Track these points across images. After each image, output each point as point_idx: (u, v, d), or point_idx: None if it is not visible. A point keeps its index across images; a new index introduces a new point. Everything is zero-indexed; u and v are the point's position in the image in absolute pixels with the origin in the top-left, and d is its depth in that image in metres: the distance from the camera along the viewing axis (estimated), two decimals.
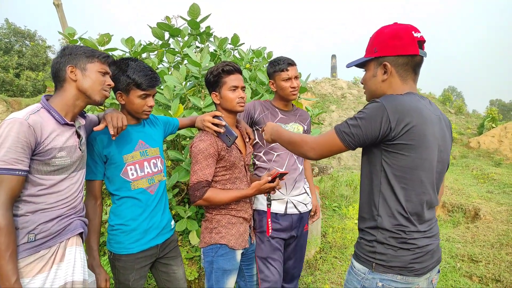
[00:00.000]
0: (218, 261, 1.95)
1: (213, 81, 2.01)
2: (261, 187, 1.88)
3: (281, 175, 1.89)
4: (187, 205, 3.31)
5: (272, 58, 2.55)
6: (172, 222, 2.08)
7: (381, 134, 1.31)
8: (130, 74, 1.78)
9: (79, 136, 1.63)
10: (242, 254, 2.09)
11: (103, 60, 1.62)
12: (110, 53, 3.37)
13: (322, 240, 4.20)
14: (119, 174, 1.83)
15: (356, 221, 4.82)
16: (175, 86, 3.11)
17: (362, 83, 1.61)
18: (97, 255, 1.80)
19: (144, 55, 3.72)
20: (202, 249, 2.01)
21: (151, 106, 1.86)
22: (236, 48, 4.11)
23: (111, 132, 1.66)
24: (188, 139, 3.35)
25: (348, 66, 1.63)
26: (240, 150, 2.06)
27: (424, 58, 1.45)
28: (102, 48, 3.33)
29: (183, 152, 3.44)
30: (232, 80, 1.99)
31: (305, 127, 2.47)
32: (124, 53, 3.54)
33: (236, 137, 1.92)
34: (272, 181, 1.90)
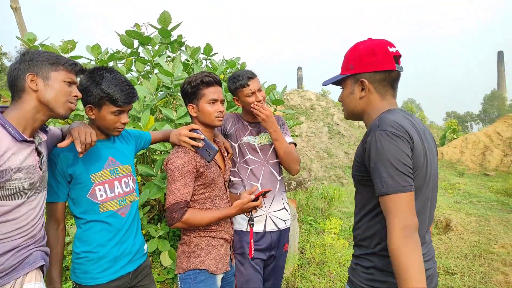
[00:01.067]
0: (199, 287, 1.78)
1: (191, 92, 1.88)
2: (243, 206, 1.77)
3: (264, 193, 1.79)
4: (158, 223, 3.12)
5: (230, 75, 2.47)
6: (145, 246, 1.90)
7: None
8: (105, 87, 1.59)
9: (39, 153, 1.43)
10: (222, 278, 1.94)
11: (69, 68, 1.44)
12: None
13: (300, 256, 4.10)
14: (85, 195, 1.64)
15: (333, 235, 4.79)
16: (145, 97, 2.95)
17: (339, 101, 1.57)
18: (60, 287, 1.59)
19: (111, 64, 3.52)
20: (178, 275, 1.85)
21: (124, 123, 1.69)
22: (209, 58, 3.99)
23: (78, 149, 1.47)
24: (159, 152, 3.17)
25: (325, 84, 1.60)
26: (219, 166, 1.94)
27: (401, 73, 1.44)
28: (66, 56, 3.11)
29: (153, 166, 3.26)
30: (211, 92, 1.87)
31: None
32: (89, 61, 3.34)
33: (217, 151, 1.80)
34: (255, 199, 1.79)
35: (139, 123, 2.71)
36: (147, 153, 3.24)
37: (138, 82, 3.28)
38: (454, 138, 15.52)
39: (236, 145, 2.26)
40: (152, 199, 3.37)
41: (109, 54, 3.32)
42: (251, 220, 2.04)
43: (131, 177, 1.83)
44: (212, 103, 1.87)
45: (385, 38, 1.44)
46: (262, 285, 2.19)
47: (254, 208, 1.81)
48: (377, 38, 1.45)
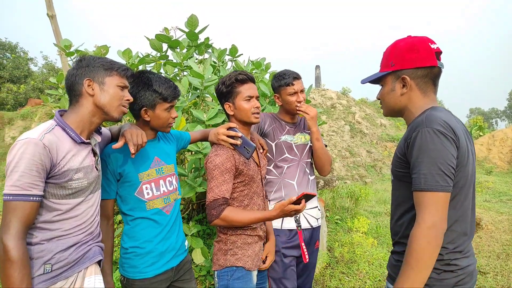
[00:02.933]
0: (234, 284, 1.85)
1: (226, 92, 1.92)
2: (285, 208, 1.71)
3: (307, 197, 1.73)
4: (190, 222, 3.20)
5: (275, 71, 2.52)
6: (186, 242, 1.98)
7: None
8: (156, 87, 1.70)
9: (95, 154, 1.53)
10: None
11: (122, 73, 1.53)
12: None
13: (329, 255, 4.12)
14: (133, 193, 1.73)
15: (361, 234, 4.79)
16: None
17: (378, 99, 1.58)
18: (111, 280, 1.70)
19: (140, 67, 3.63)
20: (216, 272, 1.90)
21: (175, 118, 1.80)
22: (234, 59, 4.05)
23: (132, 150, 1.56)
24: (191, 153, 3.26)
25: (363, 82, 1.60)
26: (257, 163, 1.99)
27: (442, 69, 1.44)
28: None
29: (183, 165, 3.35)
30: (246, 89, 1.90)
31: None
32: None
33: (255, 147, 1.83)
34: (297, 202, 1.73)
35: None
36: (179, 153, 3.33)
37: None
38: (481, 135, 15.17)
39: (273, 144, 2.32)
40: (182, 199, 3.46)
41: (139, 58, 3.42)
42: (297, 222, 2.08)
43: (174, 176, 1.91)
44: (248, 99, 1.89)
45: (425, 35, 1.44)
46: (295, 282, 2.23)
47: (297, 211, 1.73)
48: (417, 35, 1.45)
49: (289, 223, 2.24)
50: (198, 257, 3.16)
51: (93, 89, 1.46)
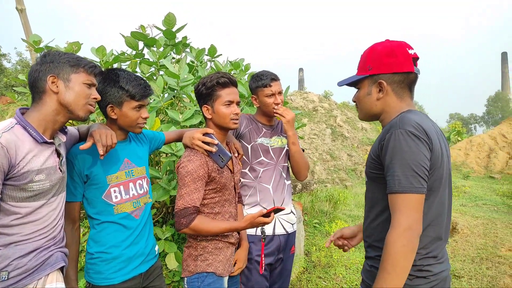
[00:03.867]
0: None
1: (206, 94, 1.87)
2: (254, 220, 1.72)
3: (277, 210, 1.76)
4: (164, 226, 3.15)
5: (254, 73, 2.51)
6: (156, 248, 1.95)
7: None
8: (123, 84, 1.66)
9: (59, 155, 1.48)
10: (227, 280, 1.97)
11: (89, 71, 1.48)
12: None
13: (306, 259, 4.13)
14: (100, 197, 1.69)
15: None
16: (151, 99, 2.98)
17: (354, 101, 1.59)
18: (76, 286, 1.63)
19: (115, 66, 3.56)
20: (185, 278, 1.87)
21: (145, 118, 1.75)
22: (213, 59, 4.03)
23: (101, 152, 1.52)
24: (165, 155, 3.21)
25: (340, 84, 1.61)
26: (230, 170, 1.96)
27: (418, 75, 1.46)
28: None
29: (158, 168, 3.30)
30: (227, 94, 1.86)
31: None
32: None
33: (230, 157, 1.80)
34: (267, 215, 1.74)
35: (145, 125, 2.74)
36: (153, 154, 3.27)
37: None
38: (459, 140, 15.57)
39: (249, 146, 2.29)
40: (156, 202, 3.40)
41: (113, 56, 3.36)
42: (262, 234, 2.07)
43: (145, 179, 1.87)
44: (228, 105, 1.86)
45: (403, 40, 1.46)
46: None
47: (264, 223, 1.75)
48: (395, 40, 1.47)
49: (264, 229, 2.23)
50: (171, 262, 3.11)
51: (57, 86, 1.41)
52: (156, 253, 1.94)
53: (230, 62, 4.08)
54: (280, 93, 2.28)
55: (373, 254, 1.44)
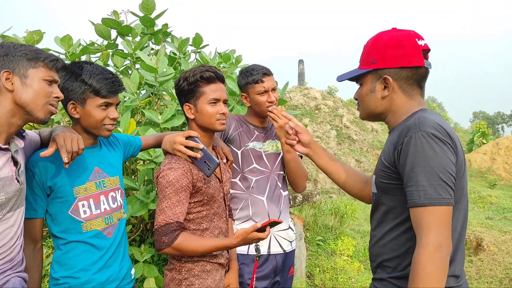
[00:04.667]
0: None
1: (188, 90, 1.85)
2: (247, 236, 1.69)
3: (273, 224, 1.74)
4: (142, 245, 3.13)
5: (243, 67, 2.51)
6: (133, 271, 1.95)
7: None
8: (86, 78, 1.64)
9: (16, 163, 1.46)
10: None
11: (50, 65, 1.46)
12: None
13: (308, 282, 4.13)
14: (67, 212, 1.68)
15: (346, 258, 4.82)
16: (125, 97, 2.98)
17: (356, 99, 1.60)
18: None
19: (83, 58, 3.55)
20: None
21: (114, 119, 1.72)
22: (198, 50, 4.03)
23: (65, 159, 1.50)
24: (142, 162, 3.19)
25: (340, 79, 1.61)
26: (218, 178, 1.95)
27: (429, 70, 1.46)
28: None
29: (134, 177, 3.28)
30: (212, 90, 1.84)
31: None
32: (59, 54, 3.37)
33: (218, 164, 1.79)
34: (262, 229, 1.72)
35: (119, 128, 2.74)
36: (129, 161, 3.26)
37: None
38: (484, 143, 15.66)
39: (239, 152, 2.29)
40: (132, 217, 3.38)
41: (81, 47, 3.35)
42: (257, 252, 2.08)
43: (119, 190, 1.87)
44: (214, 103, 1.84)
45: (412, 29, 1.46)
46: None
47: (259, 239, 1.73)
48: (403, 29, 1.46)
49: (259, 246, 2.23)
50: None
51: (12, 83, 1.39)
52: (133, 277, 1.93)
53: (218, 53, 4.09)
54: (274, 89, 2.28)
55: (384, 275, 1.44)
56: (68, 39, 3.27)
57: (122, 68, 3.51)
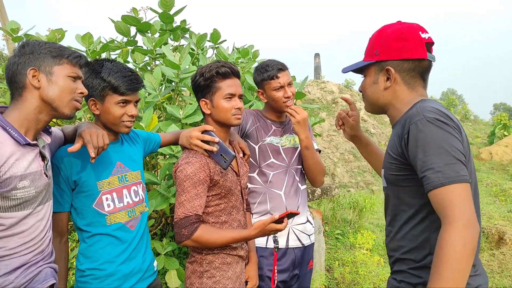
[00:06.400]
0: None
1: (204, 85, 1.89)
2: (265, 227, 1.72)
3: (290, 215, 1.77)
4: (163, 239, 3.18)
5: (258, 63, 2.53)
6: (155, 263, 1.98)
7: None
8: (105, 75, 1.68)
9: (44, 158, 1.50)
10: None
11: (74, 61, 1.50)
12: None
13: (327, 276, 4.14)
14: (91, 205, 1.72)
15: (366, 251, 4.82)
16: (147, 93, 3.01)
17: (360, 91, 1.62)
18: None
19: (103, 55, 3.61)
20: None
21: (132, 116, 1.75)
22: (216, 46, 4.05)
23: (92, 154, 1.54)
24: (163, 157, 3.24)
25: (344, 71, 1.65)
26: (236, 172, 1.98)
27: (432, 63, 1.48)
28: None
29: (155, 172, 3.33)
30: (228, 86, 1.88)
31: None
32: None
33: (234, 156, 1.80)
34: (280, 221, 1.74)
35: (141, 123, 2.78)
36: (150, 157, 3.31)
37: None
38: (505, 135, 15.37)
39: (256, 147, 2.31)
40: (154, 211, 3.43)
41: (102, 44, 3.40)
42: (275, 243, 2.10)
43: (141, 184, 1.90)
44: (229, 98, 1.87)
45: (416, 22, 1.48)
46: None
47: (277, 231, 1.76)
48: (407, 22, 1.48)
49: (277, 237, 2.24)
50: (172, 281, 3.15)
51: (39, 81, 1.43)
52: (155, 269, 1.97)
53: (236, 49, 4.10)
54: (290, 84, 2.28)
55: (404, 267, 1.44)
56: (89, 37, 3.32)
57: (141, 64, 3.56)
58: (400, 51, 1.42)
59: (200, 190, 1.78)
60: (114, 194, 1.76)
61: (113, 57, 3.69)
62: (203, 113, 1.97)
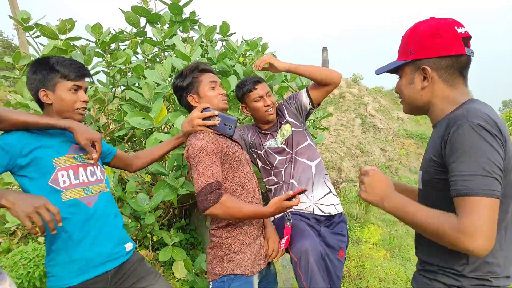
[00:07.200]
0: None
1: (187, 84, 2.07)
2: (281, 203, 1.83)
3: (302, 192, 1.87)
4: (171, 229, 3.20)
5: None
6: (129, 244, 1.96)
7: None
8: (54, 65, 1.79)
9: None
10: (260, 280, 2.04)
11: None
12: (72, 42, 3.26)
13: None
14: (46, 183, 1.71)
15: (372, 246, 4.82)
16: (156, 83, 3.01)
17: (396, 92, 1.57)
18: None
19: (113, 46, 3.61)
20: (211, 283, 1.96)
21: (84, 101, 1.86)
22: (225, 38, 4.04)
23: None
24: None
25: (378, 72, 1.60)
26: (237, 142, 2.13)
27: (471, 57, 1.41)
28: (63, 37, 3.22)
29: (163, 162, 3.34)
30: (209, 77, 2.07)
31: (288, 118, 2.58)
32: (89, 42, 3.44)
33: (236, 121, 1.95)
34: (291, 198, 1.85)
35: (150, 114, 2.78)
36: None
37: (145, 66, 3.34)
38: None
39: (262, 152, 2.53)
40: (162, 202, 3.44)
41: (111, 35, 3.40)
42: (287, 217, 2.16)
43: (99, 167, 1.94)
44: (213, 87, 2.06)
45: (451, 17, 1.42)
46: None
47: (291, 206, 1.86)
48: (441, 17, 1.43)
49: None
50: (180, 271, 3.19)
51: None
52: (128, 250, 1.95)
53: (245, 41, 4.09)
54: (268, 94, 2.47)
55: (435, 268, 1.40)
56: (99, 27, 3.33)
57: (150, 55, 3.56)
58: (436, 49, 1.37)
59: (215, 159, 1.85)
60: (70, 171, 1.78)
61: (122, 48, 3.71)
62: (192, 107, 2.08)
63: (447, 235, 1.16)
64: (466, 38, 1.37)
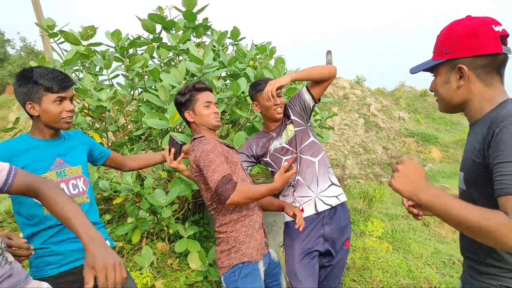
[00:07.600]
0: (244, 284, 2.00)
1: (186, 100, 2.22)
2: (284, 175, 1.99)
3: (294, 161, 2.23)
4: (186, 223, 3.32)
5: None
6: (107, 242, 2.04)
7: None
8: (37, 79, 1.79)
9: None
10: (264, 271, 2.15)
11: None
12: (93, 48, 3.39)
13: None
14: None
15: (375, 239, 4.91)
16: (171, 86, 3.12)
17: (431, 91, 1.55)
18: None
19: (131, 51, 3.74)
20: (222, 277, 2.06)
21: (70, 111, 1.88)
22: (236, 42, 4.15)
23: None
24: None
25: (413, 71, 1.56)
26: (232, 148, 2.28)
27: (509, 56, 1.36)
28: (85, 43, 3.35)
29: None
30: (205, 96, 2.22)
31: (293, 117, 2.62)
32: (109, 48, 3.57)
33: (180, 144, 2.20)
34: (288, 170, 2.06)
35: (166, 115, 2.90)
36: None
37: (161, 70, 3.46)
38: None
39: (269, 159, 2.58)
40: (177, 198, 3.56)
41: (129, 41, 3.52)
42: (293, 186, 2.41)
43: (81, 178, 1.97)
44: (207, 106, 2.20)
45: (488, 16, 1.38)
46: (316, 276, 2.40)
47: (292, 175, 2.03)
48: (478, 16, 1.39)
49: (305, 212, 2.42)
50: (194, 262, 3.27)
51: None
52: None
53: (255, 45, 4.19)
54: (278, 94, 2.53)
55: (482, 270, 1.38)
56: (118, 34, 3.42)
57: (166, 60, 3.68)
58: (473, 48, 1.32)
59: (223, 159, 2.01)
60: None
61: (139, 52, 3.84)
62: (188, 122, 2.27)
63: (495, 232, 1.07)
64: (504, 36, 1.34)
